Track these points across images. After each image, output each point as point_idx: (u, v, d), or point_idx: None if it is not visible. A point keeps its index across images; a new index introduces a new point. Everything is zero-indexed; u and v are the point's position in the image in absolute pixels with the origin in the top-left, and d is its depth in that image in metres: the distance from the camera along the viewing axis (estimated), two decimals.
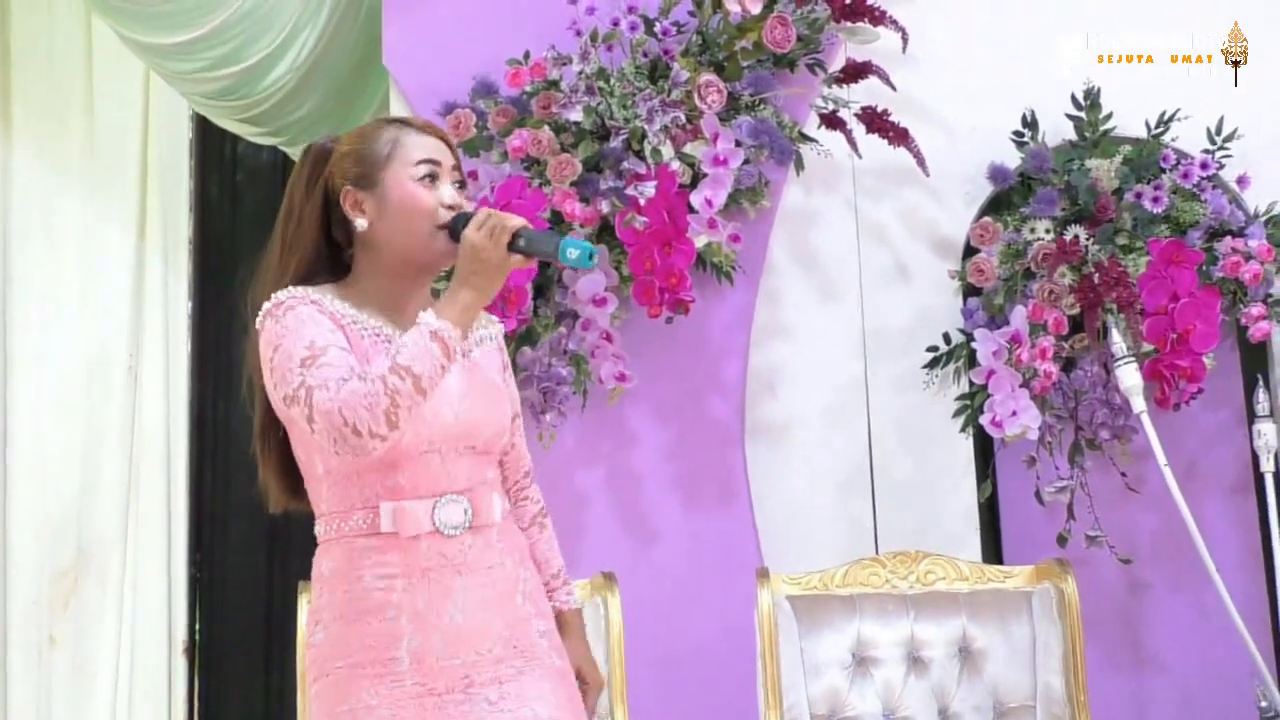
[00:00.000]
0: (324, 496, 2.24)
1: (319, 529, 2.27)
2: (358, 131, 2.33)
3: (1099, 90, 3.85)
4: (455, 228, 2.25)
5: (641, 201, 3.49)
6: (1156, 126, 3.84)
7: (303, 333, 2.15)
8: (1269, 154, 3.86)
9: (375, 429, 2.09)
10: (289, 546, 5.04)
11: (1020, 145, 3.85)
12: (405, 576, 2.21)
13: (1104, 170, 3.75)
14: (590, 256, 2.19)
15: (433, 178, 2.27)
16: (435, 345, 2.14)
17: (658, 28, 3.67)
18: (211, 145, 5.10)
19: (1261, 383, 3.77)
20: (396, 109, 3.81)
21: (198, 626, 4.92)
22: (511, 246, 2.20)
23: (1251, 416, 3.73)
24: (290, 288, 2.22)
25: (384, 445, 2.12)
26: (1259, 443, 3.69)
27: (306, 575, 2.54)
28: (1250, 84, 3.90)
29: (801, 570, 3.40)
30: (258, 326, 2.21)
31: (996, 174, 3.82)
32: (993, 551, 3.87)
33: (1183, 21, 3.95)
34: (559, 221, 3.56)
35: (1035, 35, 3.94)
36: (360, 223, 2.25)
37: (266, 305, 2.21)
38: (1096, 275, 3.65)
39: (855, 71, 3.73)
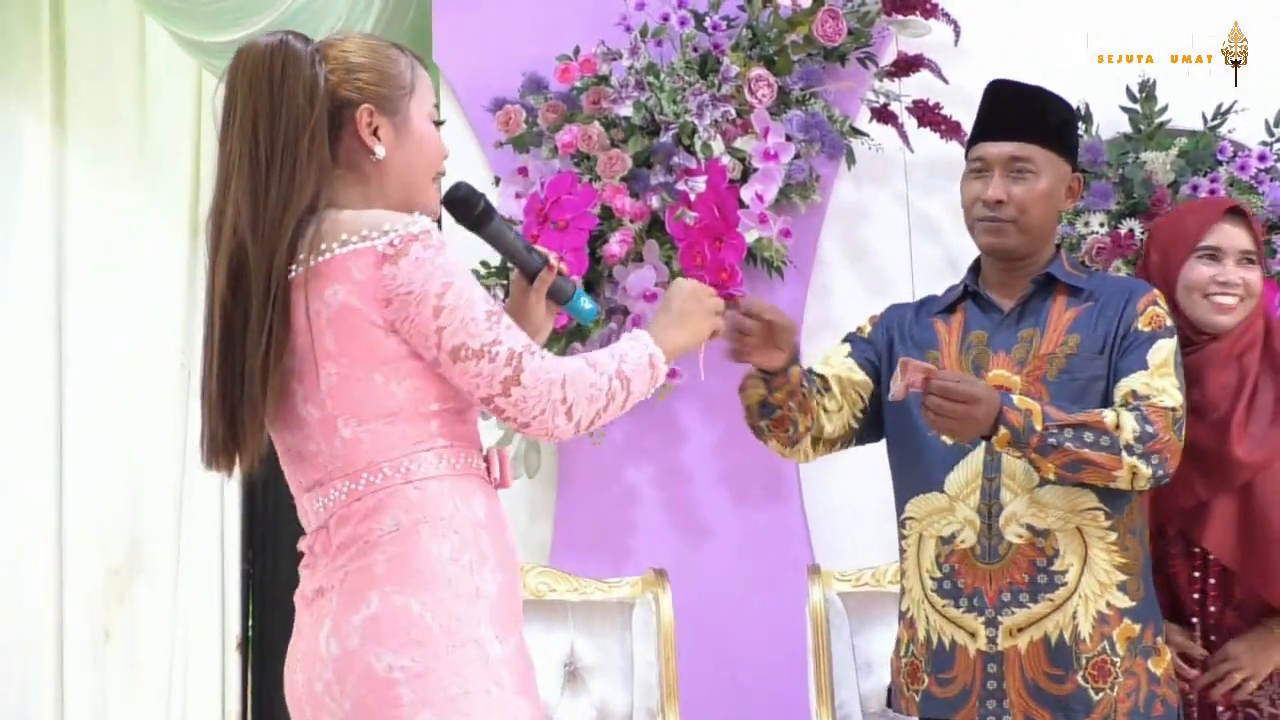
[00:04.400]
0: (432, 431, 1.94)
1: (428, 462, 1.93)
2: (365, 45, 2.05)
3: (1154, 83, 3.81)
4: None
5: (692, 196, 3.48)
6: (1213, 118, 3.80)
7: (471, 280, 1.93)
8: None
9: (581, 422, 1.94)
10: None
11: None
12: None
13: (1159, 163, 3.71)
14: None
15: (437, 124, 2.11)
16: (649, 371, 2.02)
17: (708, 22, 3.66)
18: None
19: None
20: (447, 106, 3.80)
21: (250, 621, 4.95)
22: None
23: None
24: (419, 218, 1.94)
25: (558, 439, 1.96)
26: None
27: None
28: None
29: (853, 567, 3.39)
30: (384, 249, 1.87)
31: None
32: None
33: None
34: (609, 217, 3.56)
35: (1089, 27, 3.90)
36: (380, 150, 1.99)
37: (404, 228, 1.89)
38: None
39: (906, 65, 3.71)
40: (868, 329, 2.71)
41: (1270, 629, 2.60)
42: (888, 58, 3.75)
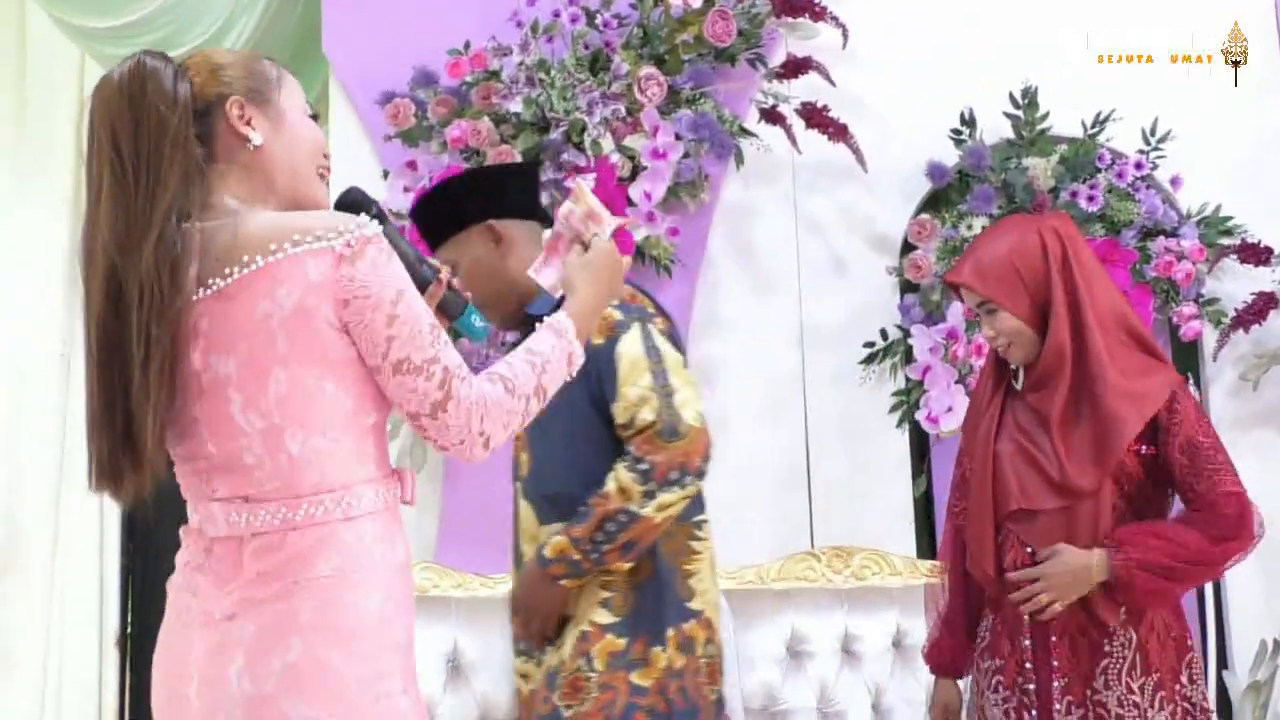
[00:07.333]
0: (369, 452, 1.91)
1: (366, 497, 1.89)
2: (227, 52, 2.03)
3: (1036, 89, 3.88)
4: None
5: None
6: (1092, 126, 3.87)
7: (415, 291, 1.91)
8: (1202, 155, 3.90)
9: (496, 447, 1.92)
10: None
11: (958, 143, 3.87)
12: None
13: (1040, 169, 3.79)
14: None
15: (315, 118, 2.08)
16: (565, 369, 2.01)
17: (599, 20, 3.67)
18: None
19: (1192, 381, 3.81)
20: (336, 98, 3.79)
21: (129, 618, 4.87)
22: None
23: None
24: (370, 221, 1.90)
25: (470, 462, 1.96)
26: None
27: None
28: (1185, 86, 3.94)
29: (737, 564, 3.42)
30: (342, 250, 1.84)
31: (934, 171, 3.84)
32: (927, 546, 3.89)
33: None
34: None
35: (975, 34, 3.96)
36: (255, 137, 1.96)
37: (358, 230, 1.86)
38: None
39: (795, 67, 3.74)
40: None
41: (1089, 556, 2.58)
42: (777, 59, 3.78)
